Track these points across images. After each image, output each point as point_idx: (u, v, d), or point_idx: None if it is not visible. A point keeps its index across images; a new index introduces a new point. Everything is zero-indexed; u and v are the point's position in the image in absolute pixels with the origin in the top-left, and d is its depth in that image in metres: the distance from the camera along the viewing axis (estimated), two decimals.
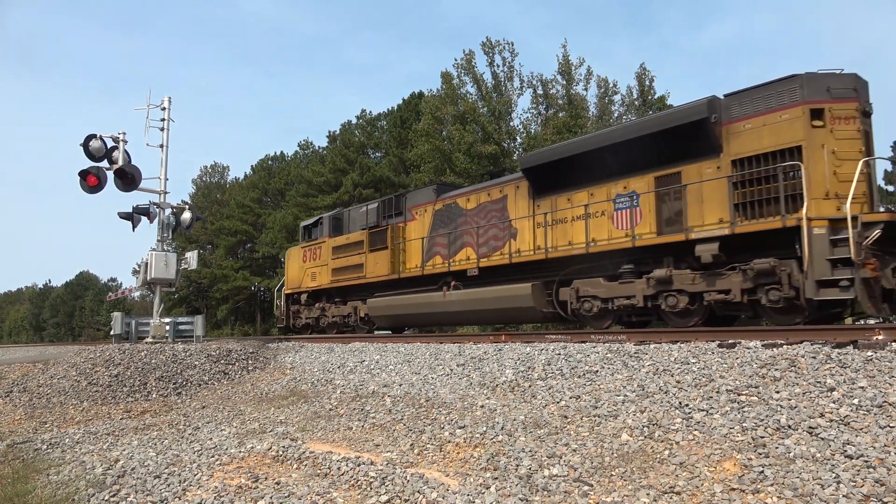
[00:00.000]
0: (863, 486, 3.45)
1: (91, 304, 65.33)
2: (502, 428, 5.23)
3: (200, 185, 54.37)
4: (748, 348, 6.17)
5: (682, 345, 6.82)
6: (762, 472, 3.76)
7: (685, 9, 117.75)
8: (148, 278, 14.74)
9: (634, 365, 6.29)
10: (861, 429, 4.06)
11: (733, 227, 9.08)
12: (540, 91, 28.47)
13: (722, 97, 9.77)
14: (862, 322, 10.09)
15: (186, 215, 15.38)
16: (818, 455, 3.84)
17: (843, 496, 3.39)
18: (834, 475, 3.58)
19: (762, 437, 4.20)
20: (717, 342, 6.70)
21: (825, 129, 8.68)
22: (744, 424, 4.41)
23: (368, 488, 4.49)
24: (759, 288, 8.87)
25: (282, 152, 51.32)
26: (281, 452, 5.54)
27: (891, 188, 29.02)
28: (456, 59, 31.89)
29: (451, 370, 7.75)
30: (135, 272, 45.50)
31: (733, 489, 3.68)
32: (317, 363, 10.31)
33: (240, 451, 5.71)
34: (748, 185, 9.20)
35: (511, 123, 28.46)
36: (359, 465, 4.89)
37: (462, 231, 13.86)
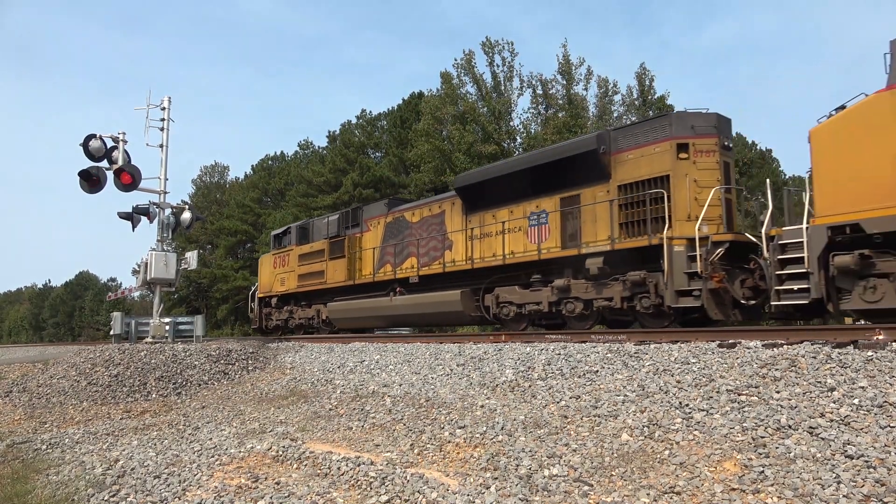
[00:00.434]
0: (863, 486, 3.45)
1: (91, 304, 65.30)
2: (502, 428, 5.23)
3: (200, 185, 54.35)
4: (748, 348, 6.17)
5: (682, 345, 6.82)
6: (762, 472, 3.76)
7: (685, 9, 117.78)
8: (148, 278, 14.74)
9: (634, 365, 6.29)
10: (861, 429, 4.06)
11: (613, 244, 10.57)
12: (539, 91, 28.46)
13: (611, 130, 11.42)
14: (862, 322, 10.37)
15: (186, 215, 15.38)
16: (818, 455, 3.84)
17: (844, 496, 3.38)
18: (834, 475, 3.58)
19: (762, 437, 4.20)
20: (718, 342, 6.70)
21: (689, 161, 10.16)
22: (744, 424, 4.41)
23: (368, 488, 4.49)
24: (635, 296, 10.29)
25: (282, 152, 51.37)
26: (281, 452, 5.54)
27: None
28: (456, 59, 31.90)
29: (451, 370, 7.75)
30: (135, 272, 45.48)
31: (733, 489, 3.68)
32: (317, 363, 10.31)
33: (240, 451, 5.71)
34: (629, 207, 10.71)
35: (511, 123, 28.46)
36: (359, 465, 4.89)
37: (408, 242, 15.24)
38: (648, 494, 3.77)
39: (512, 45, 28.57)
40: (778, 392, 4.82)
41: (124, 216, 14.61)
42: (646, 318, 10.43)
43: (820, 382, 4.82)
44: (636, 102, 29.04)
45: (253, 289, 21.58)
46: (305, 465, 5.18)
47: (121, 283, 71.02)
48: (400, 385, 7.64)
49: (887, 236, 7.47)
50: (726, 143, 10.49)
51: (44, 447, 6.98)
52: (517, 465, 4.44)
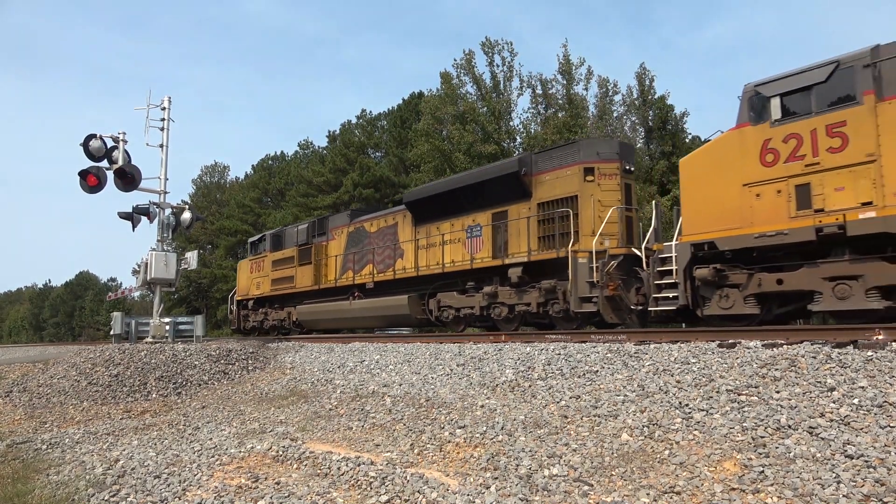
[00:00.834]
0: (863, 485, 3.45)
1: (91, 304, 65.28)
2: (502, 428, 5.23)
3: (200, 185, 54.33)
4: (748, 348, 6.16)
5: (682, 345, 6.82)
6: (762, 471, 3.76)
7: (685, 9, 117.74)
8: (148, 278, 14.74)
9: (634, 365, 6.29)
10: (861, 429, 4.06)
11: (530, 255, 11.92)
12: (539, 91, 28.42)
13: (533, 154, 12.95)
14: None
15: (186, 215, 15.38)
16: (818, 455, 3.84)
17: (844, 496, 3.38)
18: (834, 475, 3.58)
19: (762, 437, 4.20)
20: (717, 342, 6.70)
21: (594, 183, 11.55)
22: (744, 424, 4.41)
23: (368, 488, 4.49)
24: (548, 302, 11.60)
25: (282, 152, 51.35)
26: (281, 452, 5.54)
27: None
28: (455, 59, 31.88)
29: (451, 370, 7.75)
30: (135, 272, 45.46)
31: (733, 489, 3.68)
32: (317, 363, 10.31)
33: (240, 451, 5.71)
34: (545, 223, 12.03)
35: (511, 123, 28.43)
36: (359, 465, 4.89)
37: (366, 251, 16.60)
38: (648, 494, 3.77)
39: (511, 45, 28.55)
40: (778, 392, 4.82)
41: (124, 216, 14.62)
42: (558, 321, 11.73)
43: (820, 382, 4.82)
44: (636, 102, 29.01)
45: (232, 292, 23.14)
46: (305, 465, 5.18)
47: (121, 283, 71.04)
48: (400, 385, 7.64)
49: (736, 253, 8.77)
50: (627, 168, 11.83)
51: (44, 447, 6.97)
52: (517, 465, 4.44)
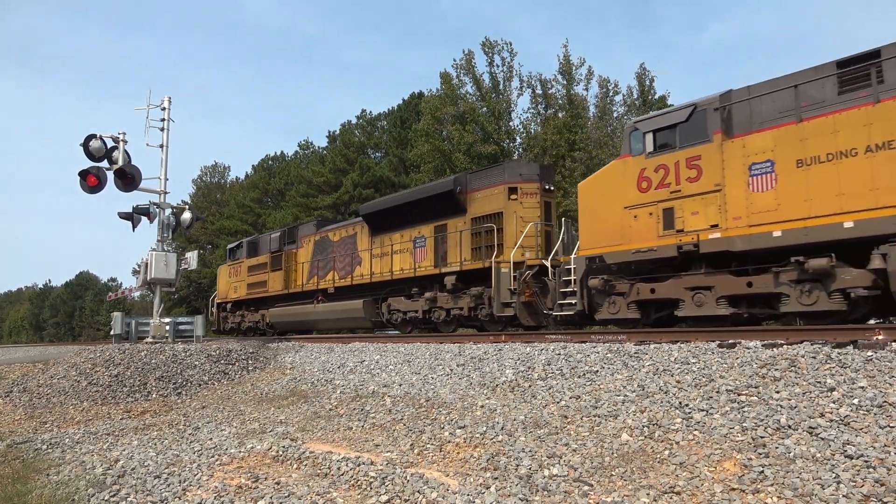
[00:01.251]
0: (863, 486, 3.45)
1: (91, 304, 65.27)
2: (502, 428, 5.23)
3: (200, 185, 54.31)
4: (748, 348, 6.16)
5: (682, 345, 6.82)
6: (762, 472, 3.76)
7: (686, 8, 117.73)
8: (148, 278, 14.74)
9: (634, 365, 6.29)
10: (861, 429, 4.06)
11: (462, 265, 13.37)
12: (539, 91, 28.42)
13: (468, 174, 14.54)
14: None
15: (186, 215, 15.39)
16: (818, 455, 3.84)
17: (843, 496, 3.38)
18: (834, 475, 3.58)
19: (762, 437, 4.20)
20: (717, 342, 6.69)
21: (517, 201, 12.95)
22: (744, 424, 4.41)
23: (368, 488, 4.49)
24: (477, 306, 13.04)
25: (282, 152, 51.31)
26: (281, 452, 5.54)
27: None
28: (455, 60, 31.85)
29: (451, 370, 7.75)
30: (135, 272, 45.43)
31: (733, 489, 3.68)
32: (317, 363, 10.31)
33: (240, 451, 5.71)
34: (477, 236, 13.42)
35: (511, 123, 28.43)
36: (359, 465, 4.89)
37: (330, 258, 17.97)
38: (648, 494, 3.77)
39: (511, 45, 28.56)
40: (778, 392, 4.82)
41: (124, 216, 14.61)
42: (486, 324, 13.25)
43: (820, 382, 4.82)
44: (636, 103, 28.99)
45: (213, 295, 24.68)
46: (305, 465, 5.18)
47: (121, 284, 70.98)
48: (400, 385, 7.64)
49: (619, 265, 10.22)
50: (547, 187, 13.23)
51: (44, 447, 6.97)
52: (517, 465, 4.44)
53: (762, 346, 6.19)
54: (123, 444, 6.80)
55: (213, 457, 5.68)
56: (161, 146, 15.21)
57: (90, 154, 14.04)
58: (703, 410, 4.80)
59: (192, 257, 16.07)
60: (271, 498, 4.48)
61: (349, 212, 32.99)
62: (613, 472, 4.13)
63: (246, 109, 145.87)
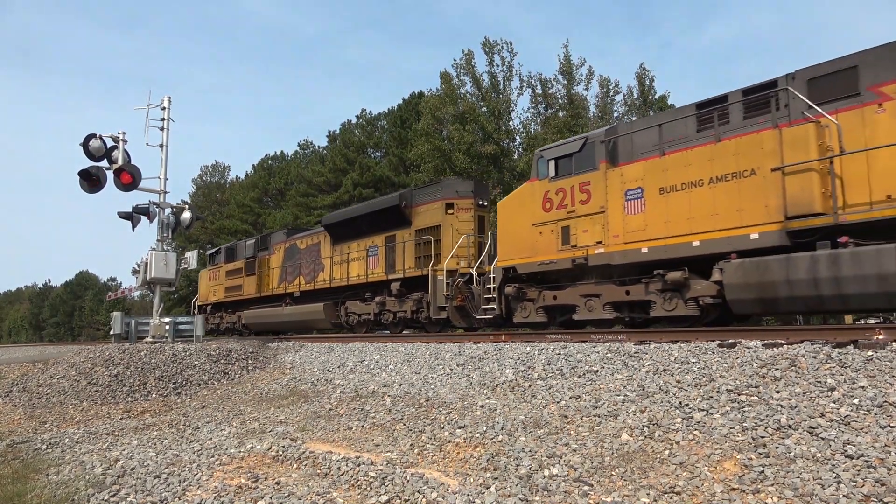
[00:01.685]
0: (863, 486, 3.45)
1: (91, 304, 65.29)
2: (502, 428, 5.22)
3: (200, 185, 54.28)
4: (748, 348, 6.16)
5: (682, 345, 6.81)
6: (762, 471, 3.76)
7: (685, 9, 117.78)
8: (148, 278, 14.71)
9: (634, 365, 6.29)
10: (861, 429, 4.05)
11: (405, 273, 14.96)
12: (539, 91, 28.41)
13: (413, 189, 16.24)
14: (863, 322, 11.57)
15: (186, 215, 15.34)
16: (818, 455, 3.84)
17: (844, 496, 3.38)
18: (834, 475, 3.58)
19: (762, 437, 4.19)
20: (718, 342, 6.69)
21: (454, 215, 14.52)
22: (744, 424, 4.41)
23: (368, 488, 4.49)
24: (419, 310, 14.61)
25: (282, 152, 51.23)
26: (281, 452, 5.53)
27: None
28: (455, 59, 31.84)
29: (451, 370, 7.75)
30: (135, 272, 45.44)
31: (733, 489, 3.67)
32: (317, 363, 10.30)
33: (240, 451, 5.71)
34: (420, 246, 14.84)
35: (511, 123, 28.42)
36: (359, 465, 4.89)
37: (297, 264, 19.53)
38: (648, 494, 3.77)
39: (511, 45, 28.57)
40: (778, 392, 4.82)
41: (124, 216, 14.59)
42: (427, 326, 14.78)
43: (820, 382, 4.82)
44: (636, 102, 28.99)
45: (195, 298, 26.62)
46: (305, 465, 5.17)
47: (121, 283, 71.02)
48: (400, 385, 7.64)
49: (529, 275, 11.68)
50: (481, 202, 14.75)
51: (44, 447, 6.97)
52: (517, 465, 4.44)
53: (762, 345, 6.19)
54: (123, 443, 6.80)
55: (212, 457, 5.68)
56: (161, 146, 15.18)
57: (90, 154, 14.00)
58: (703, 410, 4.80)
59: (191, 257, 16.06)
60: (271, 498, 4.47)
61: None
62: (613, 472, 4.13)
63: (246, 109, 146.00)
